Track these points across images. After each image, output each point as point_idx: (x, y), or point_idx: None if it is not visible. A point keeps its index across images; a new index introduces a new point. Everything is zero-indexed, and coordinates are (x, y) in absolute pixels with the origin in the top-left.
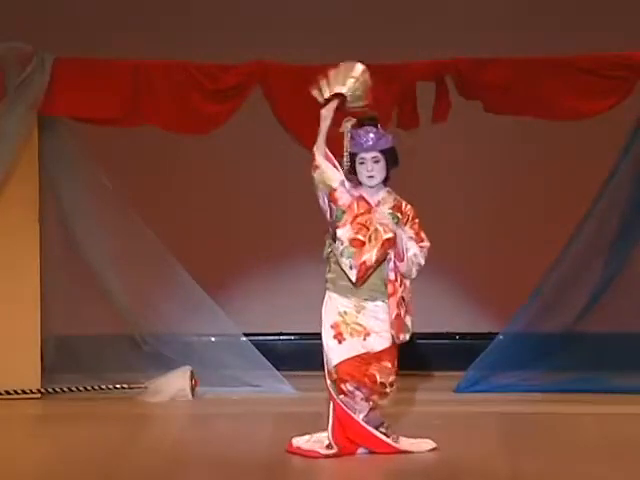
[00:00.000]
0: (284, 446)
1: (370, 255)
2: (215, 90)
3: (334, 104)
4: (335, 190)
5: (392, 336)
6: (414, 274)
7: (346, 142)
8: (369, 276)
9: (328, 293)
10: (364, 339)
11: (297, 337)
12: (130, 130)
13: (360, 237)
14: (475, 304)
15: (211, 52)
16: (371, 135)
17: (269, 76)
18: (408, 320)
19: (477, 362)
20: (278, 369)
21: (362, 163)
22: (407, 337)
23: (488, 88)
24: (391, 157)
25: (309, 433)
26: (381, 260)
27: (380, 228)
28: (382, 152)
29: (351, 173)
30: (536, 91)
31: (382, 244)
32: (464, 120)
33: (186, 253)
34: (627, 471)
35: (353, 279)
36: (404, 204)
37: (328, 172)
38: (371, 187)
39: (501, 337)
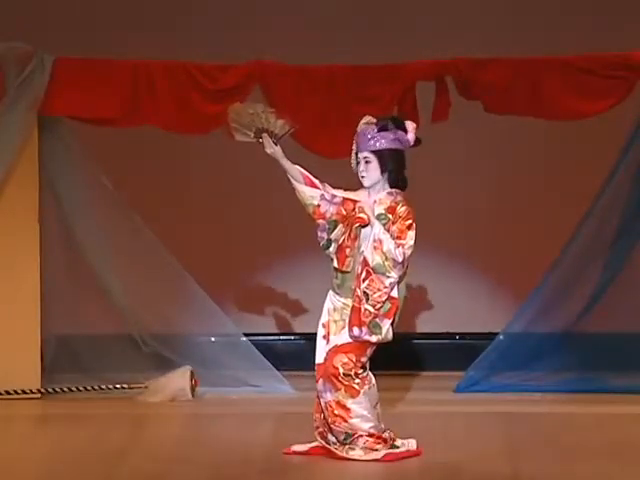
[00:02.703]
0: (284, 446)
1: (344, 236)
2: (215, 90)
3: (267, 141)
4: (318, 206)
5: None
6: (390, 271)
7: (354, 140)
8: (350, 260)
9: (329, 292)
10: (340, 333)
11: (297, 337)
12: (130, 130)
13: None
14: (476, 304)
15: (211, 52)
16: (365, 135)
17: (269, 76)
18: (384, 322)
19: (477, 362)
20: (278, 369)
21: (358, 162)
22: (371, 338)
23: (488, 88)
24: (386, 159)
25: (309, 442)
26: (354, 238)
27: (357, 211)
28: (375, 153)
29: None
30: (536, 91)
31: (355, 220)
32: (464, 120)
33: (186, 253)
34: (627, 471)
35: (336, 265)
36: (400, 205)
37: (306, 192)
38: (366, 187)
39: (501, 337)
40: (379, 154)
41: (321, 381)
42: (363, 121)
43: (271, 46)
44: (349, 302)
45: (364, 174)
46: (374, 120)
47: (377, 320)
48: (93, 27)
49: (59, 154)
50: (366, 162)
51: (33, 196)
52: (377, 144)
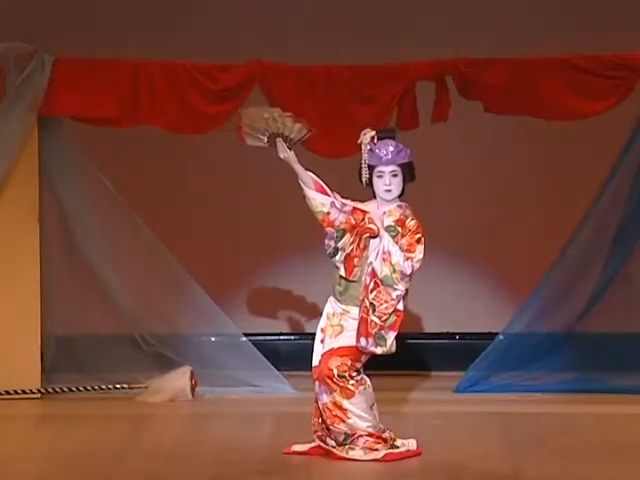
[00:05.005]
0: (284, 446)
1: (353, 246)
2: (215, 90)
3: (281, 145)
4: (328, 214)
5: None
6: (398, 283)
7: (364, 154)
8: (358, 270)
9: (329, 298)
10: (336, 337)
11: (297, 337)
12: (130, 130)
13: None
14: (476, 304)
15: (211, 52)
16: (390, 149)
17: (269, 76)
18: (389, 334)
19: (477, 362)
20: (278, 369)
21: (380, 176)
22: (377, 350)
23: (488, 88)
24: (409, 172)
25: (309, 442)
26: (363, 248)
27: (366, 221)
28: (400, 166)
29: (368, 185)
30: (536, 91)
31: (364, 230)
32: (464, 120)
33: (186, 253)
34: (627, 471)
35: (343, 274)
36: (409, 219)
37: (316, 199)
38: (388, 201)
39: (501, 337)
40: (404, 167)
41: (317, 383)
42: (368, 134)
43: (271, 46)
44: (349, 309)
45: (391, 188)
46: (373, 132)
47: (382, 332)
48: (93, 27)
49: (59, 154)
50: (393, 175)
51: (33, 196)
52: (405, 157)
